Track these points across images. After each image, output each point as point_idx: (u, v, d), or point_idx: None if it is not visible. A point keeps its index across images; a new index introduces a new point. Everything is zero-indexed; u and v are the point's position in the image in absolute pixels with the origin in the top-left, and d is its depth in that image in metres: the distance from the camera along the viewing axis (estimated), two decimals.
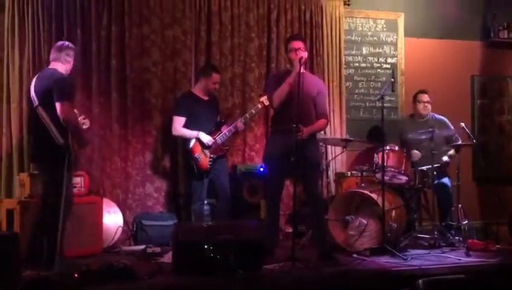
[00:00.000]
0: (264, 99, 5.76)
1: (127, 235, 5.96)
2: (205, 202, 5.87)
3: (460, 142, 6.08)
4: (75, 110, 4.78)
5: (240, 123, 5.91)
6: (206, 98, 5.94)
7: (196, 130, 5.78)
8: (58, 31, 5.92)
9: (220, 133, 5.85)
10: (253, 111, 5.94)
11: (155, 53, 6.31)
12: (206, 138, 5.77)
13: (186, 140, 5.85)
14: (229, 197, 5.93)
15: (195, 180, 5.80)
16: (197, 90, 5.97)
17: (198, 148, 5.76)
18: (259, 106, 5.87)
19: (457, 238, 5.69)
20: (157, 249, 5.33)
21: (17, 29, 5.83)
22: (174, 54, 6.37)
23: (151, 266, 4.68)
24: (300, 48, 5.07)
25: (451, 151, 6.11)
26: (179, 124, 5.81)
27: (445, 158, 6.03)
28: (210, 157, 5.77)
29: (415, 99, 6.38)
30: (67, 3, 5.98)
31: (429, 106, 6.32)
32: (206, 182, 5.76)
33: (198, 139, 5.78)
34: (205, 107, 5.89)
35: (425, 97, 6.32)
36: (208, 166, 5.75)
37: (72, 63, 4.90)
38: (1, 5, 5.82)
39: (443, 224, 5.88)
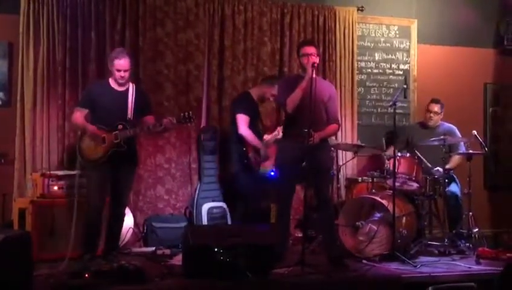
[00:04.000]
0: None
1: (138, 237, 5.98)
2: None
3: (464, 150, 6.06)
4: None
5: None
6: (257, 104, 5.94)
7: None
8: (73, 34, 5.98)
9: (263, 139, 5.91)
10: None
11: (168, 56, 6.34)
12: (264, 153, 5.80)
13: (240, 141, 5.73)
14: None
15: (252, 179, 5.76)
16: (255, 93, 5.92)
17: (252, 150, 5.76)
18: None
19: (467, 245, 5.66)
20: (167, 251, 5.35)
21: (32, 31, 5.89)
22: (187, 57, 6.40)
23: (161, 268, 4.71)
24: (312, 54, 5.07)
25: (451, 164, 6.05)
26: (245, 123, 5.70)
27: (440, 169, 5.86)
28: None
29: (427, 108, 6.34)
30: (82, 6, 6.03)
31: (436, 117, 6.25)
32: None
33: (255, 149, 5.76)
34: (257, 113, 5.91)
35: (434, 107, 6.25)
36: (257, 168, 5.78)
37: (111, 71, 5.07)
38: (16, 7, 5.88)
39: (454, 232, 5.86)
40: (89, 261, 4.69)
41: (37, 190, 5.31)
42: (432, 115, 6.25)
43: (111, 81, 5.09)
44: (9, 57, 5.99)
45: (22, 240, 4.21)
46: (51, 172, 5.40)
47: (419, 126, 6.46)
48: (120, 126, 4.94)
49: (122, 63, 5.00)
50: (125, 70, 5.01)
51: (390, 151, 5.94)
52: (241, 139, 5.72)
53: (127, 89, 5.10)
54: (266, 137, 5.94)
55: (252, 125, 5.76)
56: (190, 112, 5.06)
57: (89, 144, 4.95)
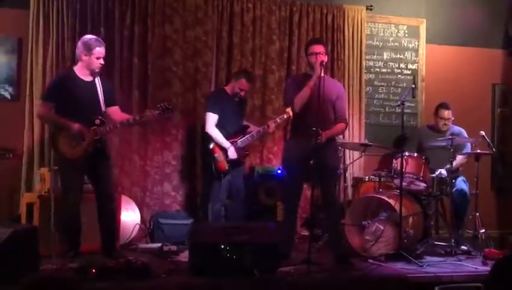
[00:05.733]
0: (289, 110, 5.61)
1: (144, 233, 6.00)
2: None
3: (469, 150, 6.04)
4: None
5: (271, 122, 5.77)
6: (236, 98, 5.86)
7: (222, 129, 5.73)
8: (82, 29, 5.97)
9: (242, 137, 5.79)
10: (278, 120, 5.76)
11: (176, 53, 6.36)
12: (233, 155, 5.70)
13: (208, 139, 5.79)
14: (243, 199, 5.93)
15: (216, 180, 5.76)
16: (228, 89, 5.92)
17: (219, 149, 5.75)
18: (285, 116, 5.64)
19: (465, 247, 5.64)
20: (174, 248, 5.35)
21: (42, 26, 5.92)
22: (195, 54, 6.41)
23: (168, 265, 4.71)
24: (321, 52, 5.05)
25: (455, 163, 6.02)
26: (213, 122, 5.74)
27: (444, 171, 5.79)
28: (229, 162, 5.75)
29: (437, 113, 6.22)
30: (92, 2, 6.06)
31: (449, 123, 6.19)
32: (226, 183, 5.74)
33: (221, 147, 5.73)
34: (234, 108, 5.84)
35: (447, 114, 6.15)
36: (227, 167, 5.73)
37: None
38: (26, 2, 5.90)
39: (460, 232, 5.85)
40: (73, 258, 4.56)
41: (45, 184, 5.33)
42: (445, 122, 6.14)
43: (77, 71, 4.78)
44: (19, 52, 6.02)
45: (29, 235, 4.24)
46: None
47: (429, 129, 6.36)
48: (97, 121, 4.70)
49: (103, 51, 4.78)
50: (104, 58, 4.81)
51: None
52: (208, 137, 5.78)
53: (94, 80, 4.82)
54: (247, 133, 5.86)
55: (226, 122, 5.75)
56: (167, 103, 4.95)
57: (67, 142, 4.66)
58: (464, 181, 6.03)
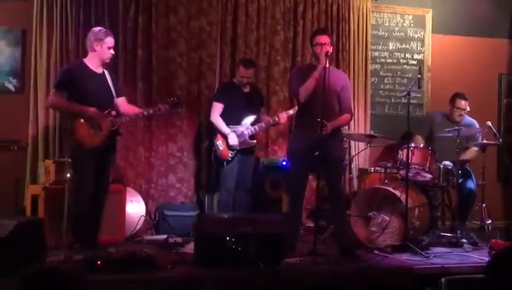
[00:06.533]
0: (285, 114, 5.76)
1: (149, 225, 6.00)
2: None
3: (481, 140, 5.98)
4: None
5: (282, 114, 5.83)
6: (246, 90, 5.89)
7: (227, 119, 5.76)
8: (86, 21, 5.96)
9: (248, 127, 5.79)
10: (291, 112, 5.79)
11: (181, 44, 6.33)
12: (234, 141, 5.72)
13: (213, 127, 5.86)
14: (249, 190, 5.92)
15: (224, 169, 5.76)
16: (236, 80, 5.97)
17: (221, 136, 5.76)
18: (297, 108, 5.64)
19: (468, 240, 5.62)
20: (179, 240, 5.33)
21: (46, 18, 5.90)
22: (199, 45, 6.38)
23: (173, 256, 4.71)
24: (326, 43, 5.01)
25: (467, 155, 5.99)
26: (217, 111, 5.82)
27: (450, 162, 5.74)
28: (232, 149, 5.75)
29: (453, 103, 6.07)
30: None
31: (464, 114, 6.08)
32: (233, 172, 5.74)
33: (223, 135, 5.76)
34: (243, 99, 5.85)
35: (463, 104, 6.03)
36: (229, 156, 5.73)
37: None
38: None
39: (466, 223, 5.83)
40: (78, 251, 4.52)
41: (50, 176, 5.33)
42: (461, 112, 6.03)
43: (88, 63, 4.84)
44: (23, 44, 6.00)
45: (34, 227, 4.24)
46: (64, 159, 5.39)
47: (442, 117, 6.19)
48: (113, 112, 4.78)
49: (113, 41, 4.87)
50: (114, 49, 4.91)
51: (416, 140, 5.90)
52: (212, 125, 5.88)
53: (103, 72, 4.90)
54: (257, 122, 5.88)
55: (232, 112, 5.78)
56: (176, 98, 5.07)
57: (86, 130, 4.68)
58: (472, 180, 5.98)
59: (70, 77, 4.79)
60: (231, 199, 5.80)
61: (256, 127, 5.83)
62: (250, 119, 5.84)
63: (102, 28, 4.97)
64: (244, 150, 5.81)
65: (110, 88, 4.88)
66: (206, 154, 6.22)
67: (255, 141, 5.92)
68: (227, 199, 5.78)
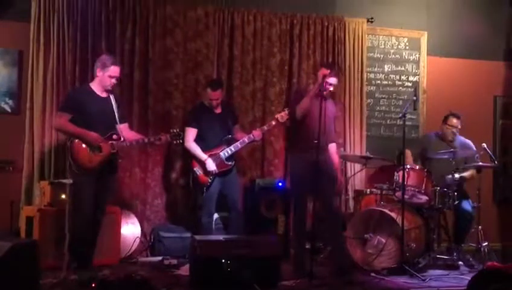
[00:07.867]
0: (279, 116, 5.56)
1: (145, 246, 5.97)
2: (216, 215, 5.90)
3: (479, 163, 6.00)
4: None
5: (256, 132, 5.70)
6: (217, 110, 5.83)
7: (201, 142, 5.72)
8: (83, 42, 5.99)
9: (224, 148, 5.71)
10: (265, 128, 5.74)
11: (177, 65, 6.35)
12: (211, 167, 5.63)
13: (187, 153, 5.80)
14: (240, 211, 5.87)
15: (205, 194, 5.71)
16: (206, 102, 5.89)
17: (197, 163, 5.69)
18: (273, 123, 5.62)
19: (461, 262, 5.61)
20: (174, 261, 5.33)
21: (42, 39, 5.92)
22: (196, 66, 6.41)
23: (168, 279, 4.69)
24: (332, 84, 5.20)
25: (466, 173, 6.02)
26: (190, 136, 5.73)
27: (456, 175, 5.80)
28: (211, 175, 5.68)
29: (446, 122, 6.17)
30: (93, 14, 6.06)
31: (457, 132, 6.16)
32: (214, 196, 5.70)
33: (199, 161, 5.69)
34: (215, 120, 5.78)
35: (455, 122, 6.12)
36: (209, 180, 5.67)
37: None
38: (27, 15, 5.90)
39: (462, 245, 5.82)
40: (74, 271, 4.58)
41: (45, 198, 5.31)
42: (454, 130, 6.11)
43: (94, 87, 4.95)
44: (19, 64, 6.02)
45: (29, 248, 4.20)
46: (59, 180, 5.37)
47: (436, 137, 6.28)
48: (115, 136, 4.87)
49: (118, 70, 4.95)
50: (117, 78, 4.97)
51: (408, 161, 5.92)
52: (187, 152, 5.81)
53: (109, 96, 4.98)
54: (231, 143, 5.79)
55: (206, 135, 5.72)
56: (178, 129, 5.20)
57: (84, 151, 4.75)
58: (468, 201, 5.99)
59: (73, 99, 4.94)
60: (212, 221, 5.80)
61: (232, 148, 5.72)
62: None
63: (111, 57, 5.07)
64: (223, 172, 5.75)
65: (113, 112, 4.94)
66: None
67: (232, 162, 5.80)
68: (208, 222, 5.74)
